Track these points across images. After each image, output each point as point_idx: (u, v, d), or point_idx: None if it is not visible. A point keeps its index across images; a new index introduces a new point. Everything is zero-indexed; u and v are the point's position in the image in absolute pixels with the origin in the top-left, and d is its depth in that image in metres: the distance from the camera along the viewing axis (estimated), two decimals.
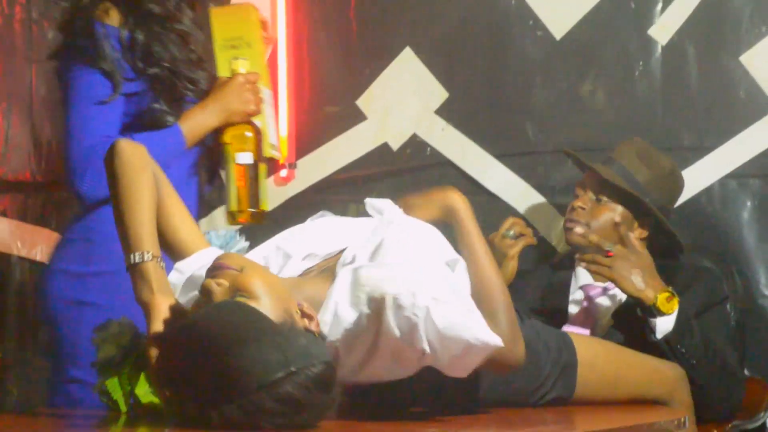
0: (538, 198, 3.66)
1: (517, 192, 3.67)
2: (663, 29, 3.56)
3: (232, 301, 1.88)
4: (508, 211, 3.63)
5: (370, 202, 2.29)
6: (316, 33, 3.95)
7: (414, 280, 1.97)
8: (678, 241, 3.20)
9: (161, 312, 2.03)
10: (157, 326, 2.01)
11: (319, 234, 2.25)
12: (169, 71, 2.71)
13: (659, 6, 3.57)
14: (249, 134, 2.75)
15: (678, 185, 3.31)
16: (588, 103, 3.66)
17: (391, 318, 1.94)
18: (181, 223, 2.27)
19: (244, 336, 1.78)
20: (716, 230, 3.50)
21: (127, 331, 2.16)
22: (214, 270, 1.95)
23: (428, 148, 3.74)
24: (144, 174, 2.17)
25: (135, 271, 2.07)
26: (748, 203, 3.49)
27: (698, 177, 3.51)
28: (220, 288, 1.91)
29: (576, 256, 3.12)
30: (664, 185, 3.26)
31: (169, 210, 2.25)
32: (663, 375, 2.47)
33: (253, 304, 1.87)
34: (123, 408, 2.16)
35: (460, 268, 2.16)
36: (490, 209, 3.64)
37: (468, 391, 2.28)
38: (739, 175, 3.49)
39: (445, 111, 3.77)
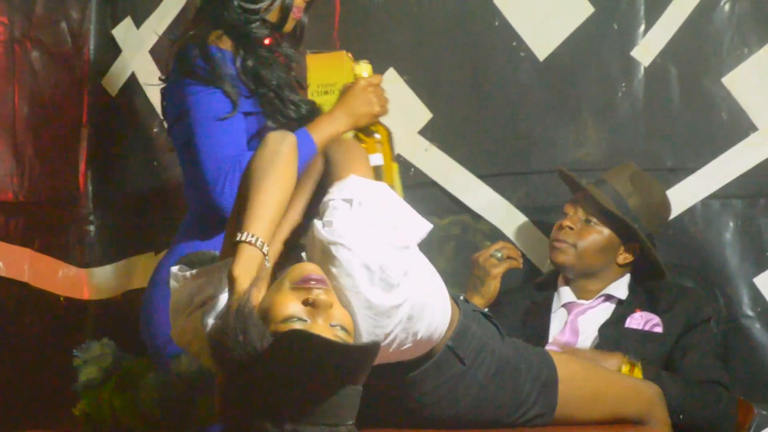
0: (521, 218, 3.66)
1: (500, 212, 3.67)
2: (646, 51, 3.58)
3: (347, 344, 1.95)
4: (492, 231, 3.63)
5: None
6: (300, 53, 3.94)
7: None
8: (661, 269, 3.21)
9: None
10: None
11: None
12: (275, 93, 2.86)
13: (642, 28, 3.58)
14: (378, 136, 2.85)
15: (666, 214, 3.33)
16: (571, 124, 3.66)
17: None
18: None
19: (345, 377, 1.87)
20: (699, 250, 3.50)
21: (109, 353, 2.16)
22: (317, 282, 1.99)
23: (412, 169, 3.74)
24: (291, 166, 2.19)
25: (238, 247, 2.07)
26: (731, 224, 3.49)
27: (681, 197, 3.51)
28: (326, 299, 1.97)
29: None
30: (654, 213, 3.27)
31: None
32: (641, 393, 2.47)
33: (347, 339, 1.97)
34: (105, 428, 2.15)
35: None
36: (474, 229, 3.64)
37: (450, 407, 2.28)
38: (721, 195, 3.50)
39: (428, 131, 3.77)
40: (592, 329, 3.16)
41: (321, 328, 1.93)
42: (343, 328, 1.96)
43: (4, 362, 4.10)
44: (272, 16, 2.94)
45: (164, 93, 3.01)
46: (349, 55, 2.95)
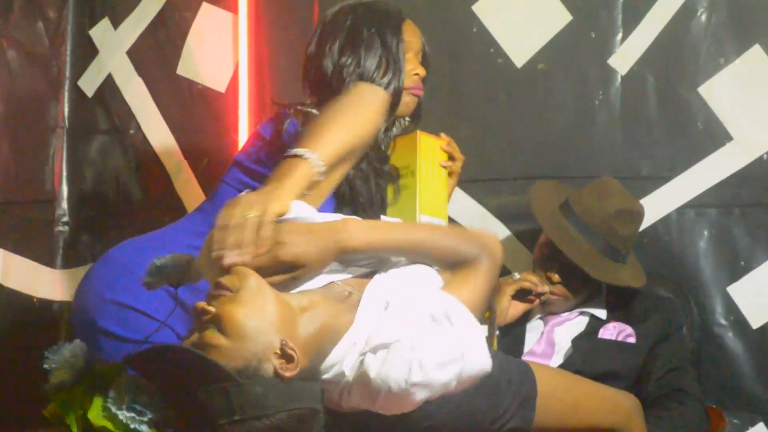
0: (497, 225, 3.66)
1: (476, 218, 3.67)
2: (623, 59, 3.59)
3: (186, 348, 1.88)
4: None
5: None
6: (277, 56, 3.95)
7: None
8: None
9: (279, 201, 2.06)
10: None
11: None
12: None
13: (619, 36, 3.59)
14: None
15: (634, 237, 3.30)
16: (548, 131, 3.66)
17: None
18: None
19: (194, 382, 1.81)
20: (673, 259, 3.51)
21: (80, 355, 2.15)
22: (215, 290, 1.96)
23: None
24: (375, 114, 2.26)
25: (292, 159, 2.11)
26: (705, 233, 3.50)
27: (656, 206, 3.52)
28: (206, 316, 1.92)
29: None
30: (633, 238, 3.25)
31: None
32: (619, 404, 2.47)
33: (221, 340, 1.87)
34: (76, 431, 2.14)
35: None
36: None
37: (425, 419, 2.28)
38: (696, 204, 3.51)
39: None
40: (567, 341, 3.16)
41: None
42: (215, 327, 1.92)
43: None
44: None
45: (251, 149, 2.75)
46: (429, 137, 2.77)
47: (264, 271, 2.02)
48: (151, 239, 2.80)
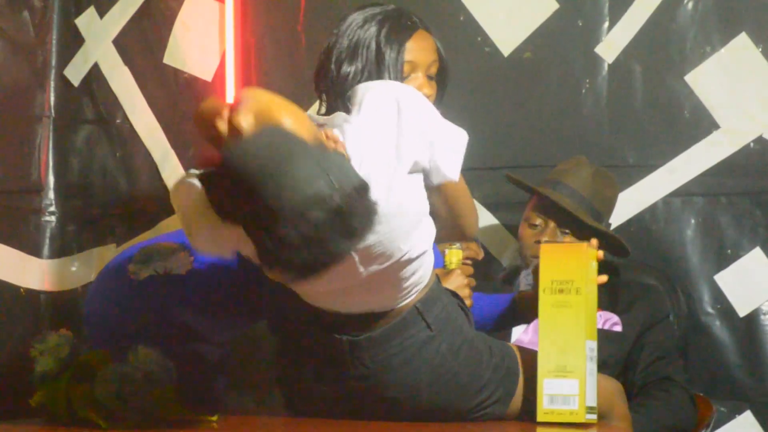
0: (485, 214, 3.66)
1: None
2: (609, 48, 3.58)
3: (262, 128, 1.91)
4: None
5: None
6: (264, 45, 3.95)
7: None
8: (625, 247, 3.20)
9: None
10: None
11: None
12: None
13: (606, 24, 3.59)
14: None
15: (614, 204, 3.31)
16: (535, 120, 3.66)
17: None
18: None
19: (285, 155, 1.85)
20: (660, 248, 3.52)
21: (65, 344, 2.14)
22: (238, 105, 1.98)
23: None
24: None
25: None
26: (692, 221, 3.51)
27: (643, 195, 3.53)
28: (246, 122, 1.93)
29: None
30: (613, 205, 3.27)
31: None
32: (601, 388, 2.47)
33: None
34: (61, 420, 2.13)
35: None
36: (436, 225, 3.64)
37: (410, 376, 2.28)
38: (683, 193, 3.51)
39: None
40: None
41: None
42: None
43: None
44: None
45: None
46: (596, 252, 2.51)
47: None
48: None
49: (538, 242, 3.14)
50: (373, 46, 2.57)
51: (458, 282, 2.74)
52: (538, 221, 3.20)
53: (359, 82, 2.45)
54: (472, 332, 2.42)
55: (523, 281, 3.26)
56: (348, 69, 2.53)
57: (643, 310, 3.16)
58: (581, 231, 3.15)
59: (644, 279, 3.36)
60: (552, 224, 3.18)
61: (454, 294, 2.51)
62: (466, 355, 2.35)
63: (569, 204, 3.14)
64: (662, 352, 3.13)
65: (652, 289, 3.29)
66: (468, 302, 2.71)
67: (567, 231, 3.17)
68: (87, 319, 2.62)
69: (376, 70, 2.51)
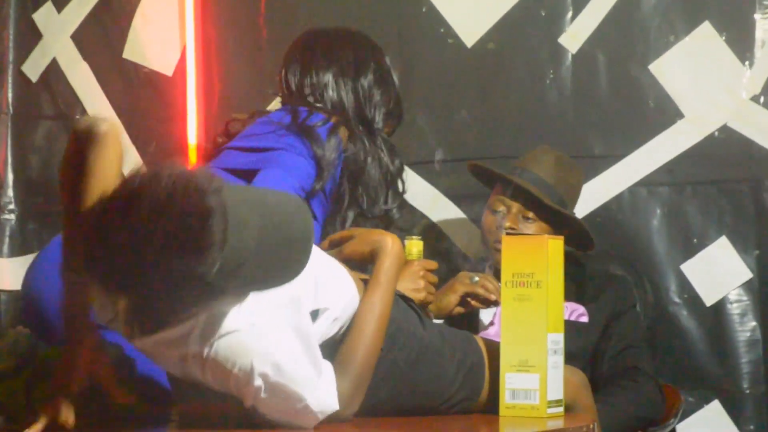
0: (449, 206, 3.65)
1: (428, 199, 3.65)
2: (573, 37, 3.57)
3: None
4: (419, 217, 3.62)
5: None
6: (225, 39, 3.92)
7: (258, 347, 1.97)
8: (590, 238, 3.18)
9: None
10: None
11: None
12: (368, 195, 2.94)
13: (569, 14, 3.58)
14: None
15: (579, 192, 3.30)
16: (499, 111, 3.65)
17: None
18: None
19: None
20: (626, 238, 3.51)
21: (23, 341, 2.11)
22: None
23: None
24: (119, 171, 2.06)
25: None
26: (658, 211, 3.50)
27: (608, 185, 3.52)
28: None
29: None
30: (577, 194, 3.26)
31: None
32: (566, 380, 2.45)
33: None
34: (20, 418, 2.09)
35: (322, 319, 2.15)
36: (400, 217, 3.62)
37: (369, 396, 2.25)
38: (648, 183, 3.50)
39: None
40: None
41: None
42: None
43: None
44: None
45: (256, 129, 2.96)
46: (559, 244, 2.46)
47: None
48: None
49: (500, 227, 3.13)
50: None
51: (412, 279, 2.72)
52: (501, 207, 3.17)
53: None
54: (427, 333, 2.38)
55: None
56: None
57: (610, 300, 3.15)
58: (545, 215, 3.13)
59: (609, 268, 3.35)
60: (515, 209, 3.15)
61: (402, 295, 2.47)
62: (425, 361, 2.33)
63: (532, 187, 3.12)
64: (629, 342, 3.12)
65: (618, 278, 3.28)
66: (422, 296, 2.68)
67: (530, 216, 3.14)
68: (25, 310, 2.59)
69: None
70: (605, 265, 3.33)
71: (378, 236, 2.34)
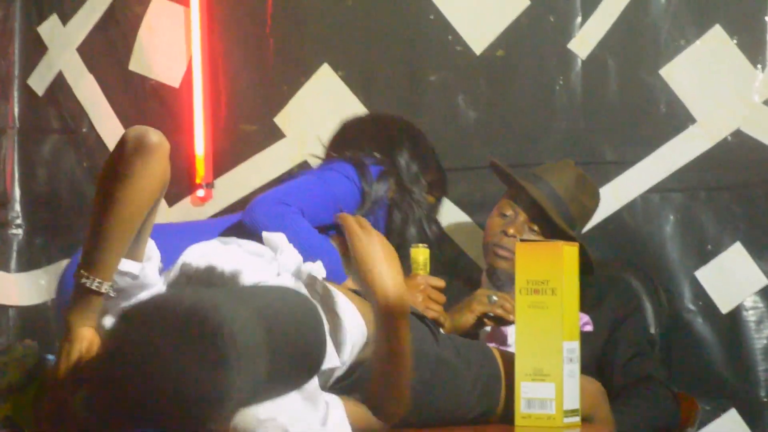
0: (459, 214, 3.62)
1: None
2: (583, 43, 3.55)
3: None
4: None
5: (267, 238, 2.23)
6: (231, 50, 3.90)
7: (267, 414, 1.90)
8: (591, 265, 3.14)
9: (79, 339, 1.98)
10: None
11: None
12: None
13: (578, 20, 3.55)
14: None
15: (591, 216, 3.26)
16: (509, 118, 3.62)
17: None
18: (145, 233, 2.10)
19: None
20: (639, 245, 3.48)
21: (31, 355, 2.08)
22: None
23: None
24: (161, 191, 2.03)
25: (81, 287, 1.98)
26: (671, 217, 3.47)
27: (620, 192, 3.49)
28: None
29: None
30: (588, 217, 3.21)
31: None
32: (584, 390, 2.42)
33: None
34: None
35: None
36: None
37: None
38: (661, 189, 3.47)
39: None
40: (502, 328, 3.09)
41: None
42: None
43: None
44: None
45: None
46: (575, 250, 2.44)
47: None
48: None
49: (504, 233, 3.09)
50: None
51: (411, 292, 2.70)
52: (509, 212, 3.13)
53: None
54: (441, 349, 2.35)
55: (484, 283, 3.19)
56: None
57: (612, 304, 3.11)
58: (550, 231, 3.09)
59: (610, 272, 3.29)
60: (522, 217, 3.11)
61: (414, 312, 2.44)
62: (440, 378, 2.30)
63: (544, 200, 3.08)
64: (638, 349, 3.07)
65: (619, 282, 3.24)
66: (429, 314, 2.65)
67: (536, 228, 3.11)
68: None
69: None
70: (607, 271, 3.28)
71: (384, 287, 2.15)
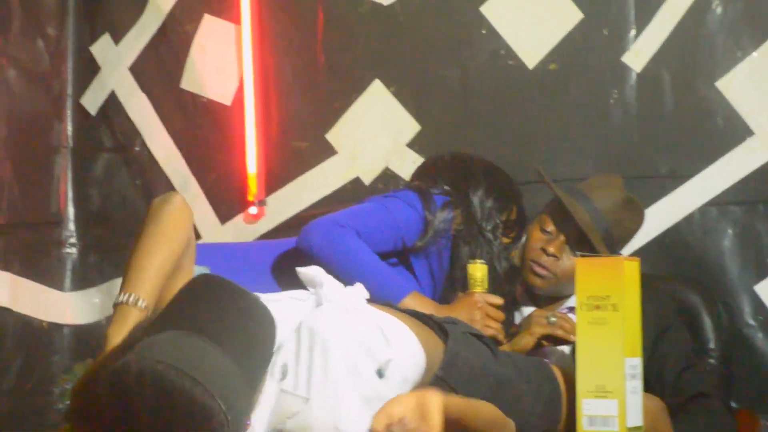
0: None
1: None
2: (637, 56, 3.51)
3: None
4: None
5: (304, 273, 2.25)
6: (283, 67, 3.90)
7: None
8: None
9: None
10: None
11: None
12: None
13: (632, 33, 3.52)
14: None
15: (632, 238, 3.21)
16: (562, 133, 3.60)
17: None
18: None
19: None
20: (697, 259, 3.44)
21: None
22: None
23: (401, 182, 3.67)
24: (181, 234, 2.22)
25: (118, 308, 2.10)
26: (729, 231, 3.43)
27: (677, 205, 3.45)
28: None
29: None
30: (628, 239, 3.14)
31: (179, 277, 2.22)
32: (645, 407, 2.39)
33: None
34: None
35: (390, 372, 2.10)
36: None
37: None
38: (719, 202, 3.43)
39: (416, 144, 3.71)
40: (560, 347, 3.05)
41: None
42: None
43: None
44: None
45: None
46: (636, 265, 2.41)
47: None
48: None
49: (544, 251, 3.04)
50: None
51: (468, 309, 2.68)
52: (551, 228, 3.08)
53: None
54: (502, 367, 2.34)
55: (520, 295, 3.16)
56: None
57: (652, 319, 3.01)
58: (589, 251, 3.03)
59: (683, 292, 3.26)
60: (563, 237, 3.07)
61: (473, 333, 2.42)
62: (501, 397, 2.27)
63: (587, 224, 3.02)
64: (684, 363, 3.00)
65: (656, 294, 3.18)
66: (487, 332, 2.63)
67: (576, 252, 3.06)
68: None
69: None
70: (677, 288, 3.25)
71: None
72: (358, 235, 2.80)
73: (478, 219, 3.03)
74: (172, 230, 2.20)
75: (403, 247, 2.92)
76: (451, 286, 2.99)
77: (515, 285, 3.05)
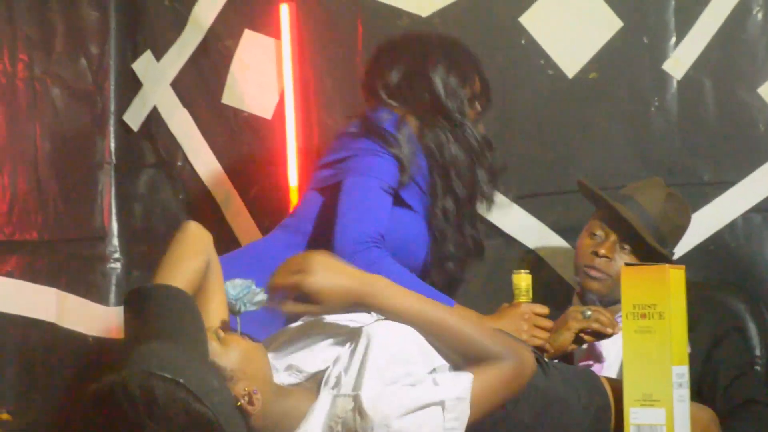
0: (556, 239, 3.59)
1: (534, 234, 3.61)
2: (678, 63, 3.51)
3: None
4: (527, 254, 3.59)
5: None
6: (323, 80, 3.91)
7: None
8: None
9: None
10: None
11: (303, 347, 2.26)
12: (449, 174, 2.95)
13: (673, 40, 3.51)
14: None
15: (682, 235, 3.22)
16: (604, 141, 3.59)
17: None
18: (214, 313, 2.38)
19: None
20: (741, 266, 3.42)
21: None
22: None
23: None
24: (195, 260, 2.38)
25: None
26: None
27: (720, 212, 3.44)
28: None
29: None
30: (680, 235, 3.16)
31: (208, 297, 2.39)
32: (695, 419, 2.38)
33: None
34: None
35: (442, 374, 2.16)
36: (507, 253, 3.57)
37: None
38: (762, 209, 3.42)
39: None
40: (615, 352, 3.04)
41: None
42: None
43: (34, 404, 4.06)
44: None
45: (335, 145, 3.04)
46: (681, 273, 2.41)
47: (286, 295, 2.18)
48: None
49: (595, 254, 3.06)
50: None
51: (514, 320, 2.67)
52: (599, 232, 3.11)
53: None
54: (551, 381, 2.33)
55: (576, 304, 3.16)
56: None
57: (708, 325, 3.05)
58: (642, 250, 3.05)
59: (727, 299, 3.26)
60: (613, 237, 3.08)
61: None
62: (550, 412, 2.28)
63: (634, 220, 3.04)
64: (738, 371, 3.02)
65: (715, 302, 3.19)
66: (534, 342, 2.63)
67: (627, 247, 3.07)
68: None
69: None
70: (704, 291, 3.23)
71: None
72: (383, 238, 2.76)
73: (443, 98, 2.97)
74: (186, 258, 2.37)
75: (392, 190, 2.87)
76: (453, 195, 2.96)
77: (494, 151, 3.04)
